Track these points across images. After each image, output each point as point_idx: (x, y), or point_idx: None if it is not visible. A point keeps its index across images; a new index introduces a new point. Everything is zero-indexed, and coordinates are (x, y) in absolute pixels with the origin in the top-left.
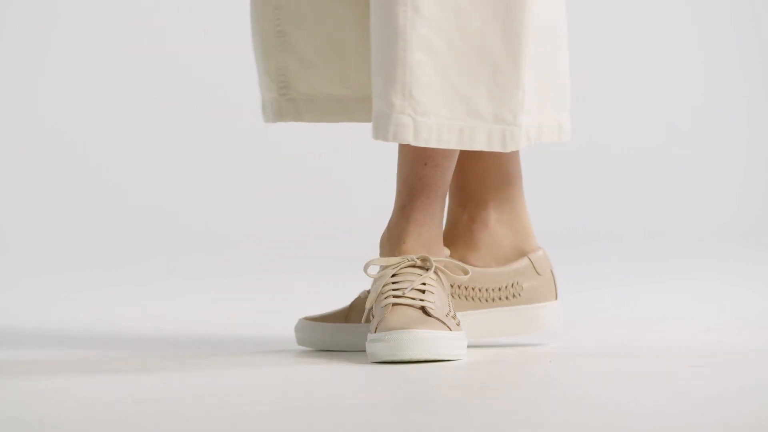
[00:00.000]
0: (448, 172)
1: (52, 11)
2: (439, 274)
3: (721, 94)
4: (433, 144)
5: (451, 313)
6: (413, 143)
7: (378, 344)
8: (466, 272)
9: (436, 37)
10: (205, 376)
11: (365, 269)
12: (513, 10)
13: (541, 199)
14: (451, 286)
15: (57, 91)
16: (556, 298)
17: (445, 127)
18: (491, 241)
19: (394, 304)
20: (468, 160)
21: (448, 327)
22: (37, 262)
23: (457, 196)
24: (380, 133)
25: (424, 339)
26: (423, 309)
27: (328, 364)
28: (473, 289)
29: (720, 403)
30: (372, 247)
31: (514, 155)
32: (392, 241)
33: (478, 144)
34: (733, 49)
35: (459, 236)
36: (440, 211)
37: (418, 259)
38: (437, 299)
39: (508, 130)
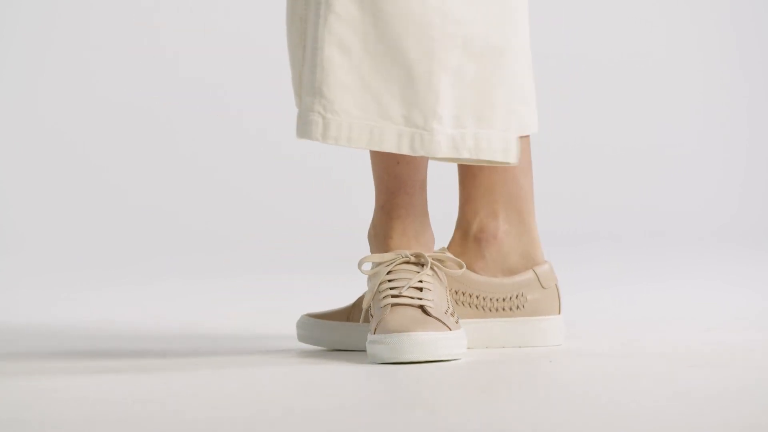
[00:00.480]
0: (422, 165)
1: (52, 11)
2: (436, 269)
3: (721, 94)
4: (342, 143)
5: (450, 310)
6: (322, 141)
7: (378, 346)
8: (460, 266)
9: (352, 36)
10: (205, 376)
11: (359, 266)
12: (429, 16)
13: (541, 199)
14: (456, 292)
15: (57, 91)
16: (559, 313)
17: (355, 126)
18: (499, 253)
19: (393, 305)
20: (480, 171)
21: (447, 326)
22: (37, 262)
23: (467, 207)
24: (297, 132)
25: (423, 342)
26: (422, 308)
27: (328, 364)
28: (477, 297)
29: (720, 403)
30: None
31: (526, 169)
32: (378, 237)
33: (387, 145)
34: (733, 49)
35: (467, 246)
36: (421, 202)
37: (411, 255)
38: (435, 296)
39: (417, 134)
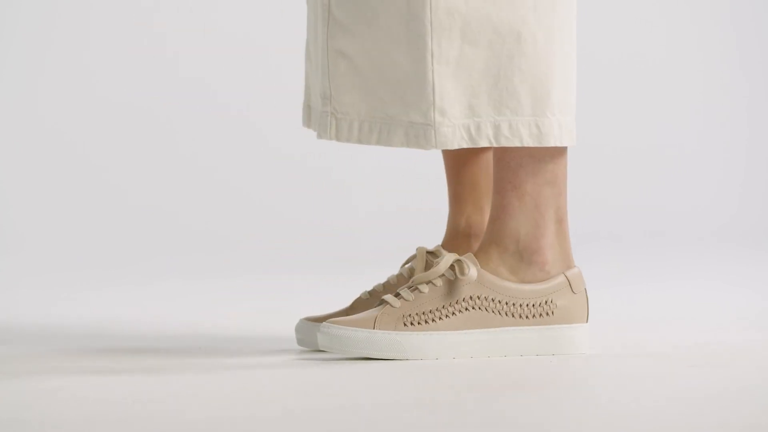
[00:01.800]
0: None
1: (52, 11)
2: (456, 272)
3: (721, 94)
4: (354, 140)
5: (423, 317)
6: (337, 140)
7: (318, 333)
8: (474, 265)
9: (350, 40)
10: (205, 377)
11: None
12: (414, 7)
13: None
14: (491, 300)
15: (57, 91)
16: (586, 321)
17: (366, 123)
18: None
19: (383, 301)
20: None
21: (371, 326)
22: (37, 262)
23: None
24: (313, 129)
25: (334, 335)
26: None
27: (328, 364)
28: (506, 304)
29: (720, 403)
30: (372, 247)
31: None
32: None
33: (396, 142)
34: (733, 49)
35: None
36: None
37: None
38: (420, 298)
39: (422, 129)
